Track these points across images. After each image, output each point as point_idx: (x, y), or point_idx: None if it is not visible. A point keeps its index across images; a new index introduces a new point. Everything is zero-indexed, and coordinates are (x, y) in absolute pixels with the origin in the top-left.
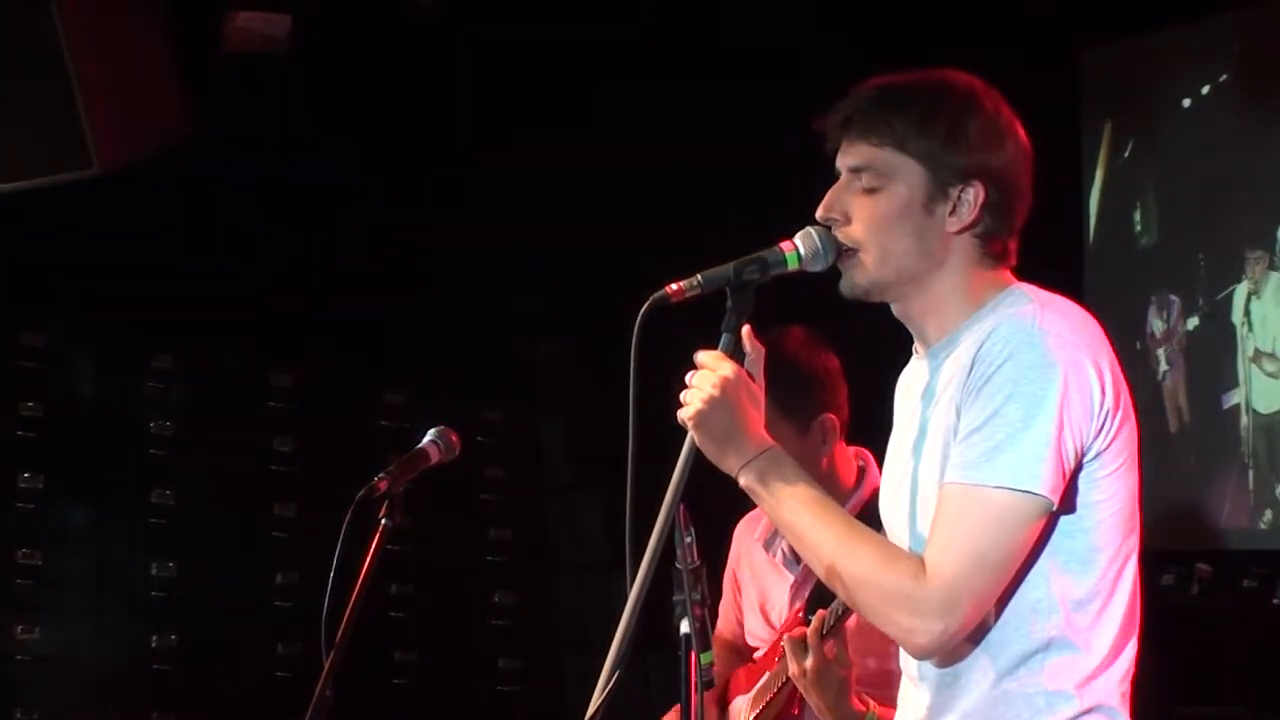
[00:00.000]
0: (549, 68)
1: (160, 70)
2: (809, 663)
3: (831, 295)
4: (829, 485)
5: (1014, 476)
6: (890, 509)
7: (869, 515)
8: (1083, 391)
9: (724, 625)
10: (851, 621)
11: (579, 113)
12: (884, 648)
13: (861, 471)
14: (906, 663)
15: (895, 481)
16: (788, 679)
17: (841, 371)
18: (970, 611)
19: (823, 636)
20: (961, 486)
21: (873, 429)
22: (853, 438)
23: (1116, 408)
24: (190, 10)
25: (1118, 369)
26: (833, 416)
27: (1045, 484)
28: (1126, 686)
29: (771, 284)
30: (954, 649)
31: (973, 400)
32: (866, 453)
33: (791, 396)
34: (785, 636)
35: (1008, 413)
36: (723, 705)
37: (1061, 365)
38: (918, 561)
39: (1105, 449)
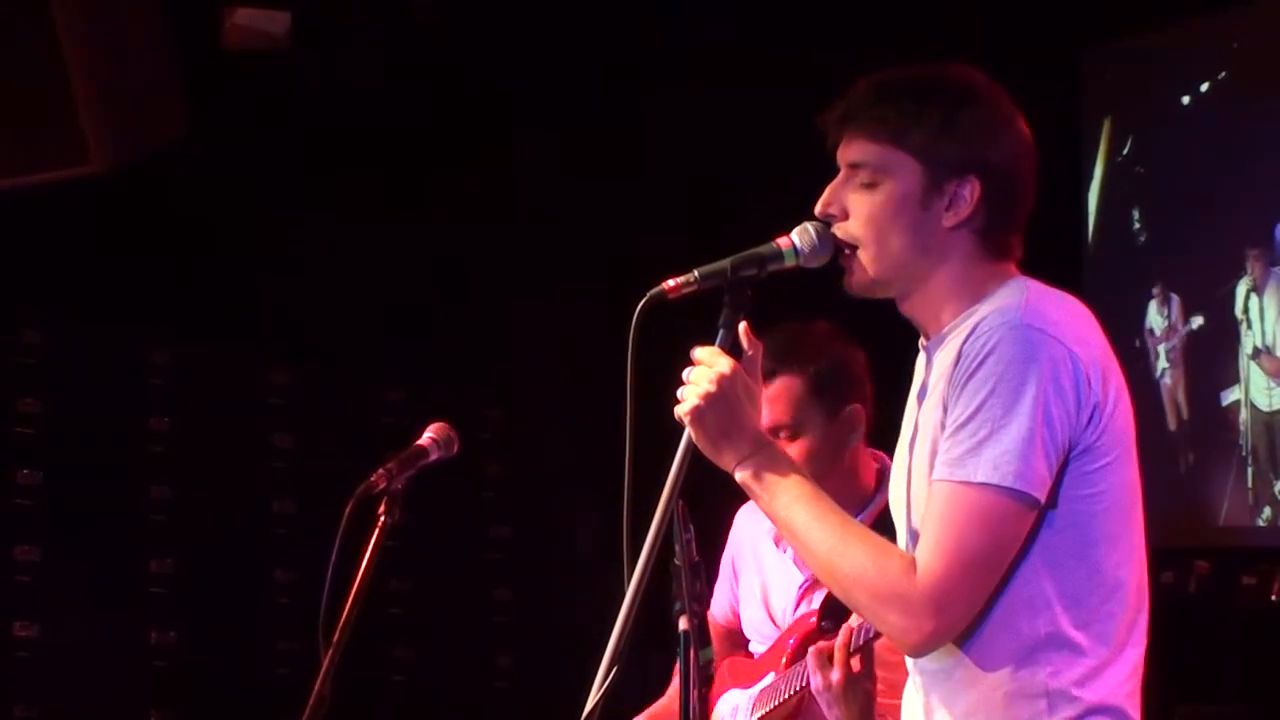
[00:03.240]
0: (548, 66)
1: (159, 69)
2: (835, 677)
3: (841, 293)
4: (849, 485)
5: (997, 473)
6: (895, 506)
7: (888, 519)
8: (1067, 385)
9: (716, 609)
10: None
11: (579, 112)
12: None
13: (880, 475)
14: (907, 661)
15: (898, 478)
16: (801, 686)
17: (869, 371)
18: (961, 610)
19: (851, 652)
20: (947, 484)
21: (878, 429)
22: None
23: (1105, 401)
24: (189, 8)
25: (1110, 362)
26: (860, 408)
27: (1029, 480)
28: (1134, 685)
29: (778, 280)
30: (947, 647)
31: (957, 395)
32: (884, 456)
33: (827, 377)
34: (812, 649)
35: (990, 408)
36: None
37: (1043, 359)
38: (909, 560)
39: (1094, 443)
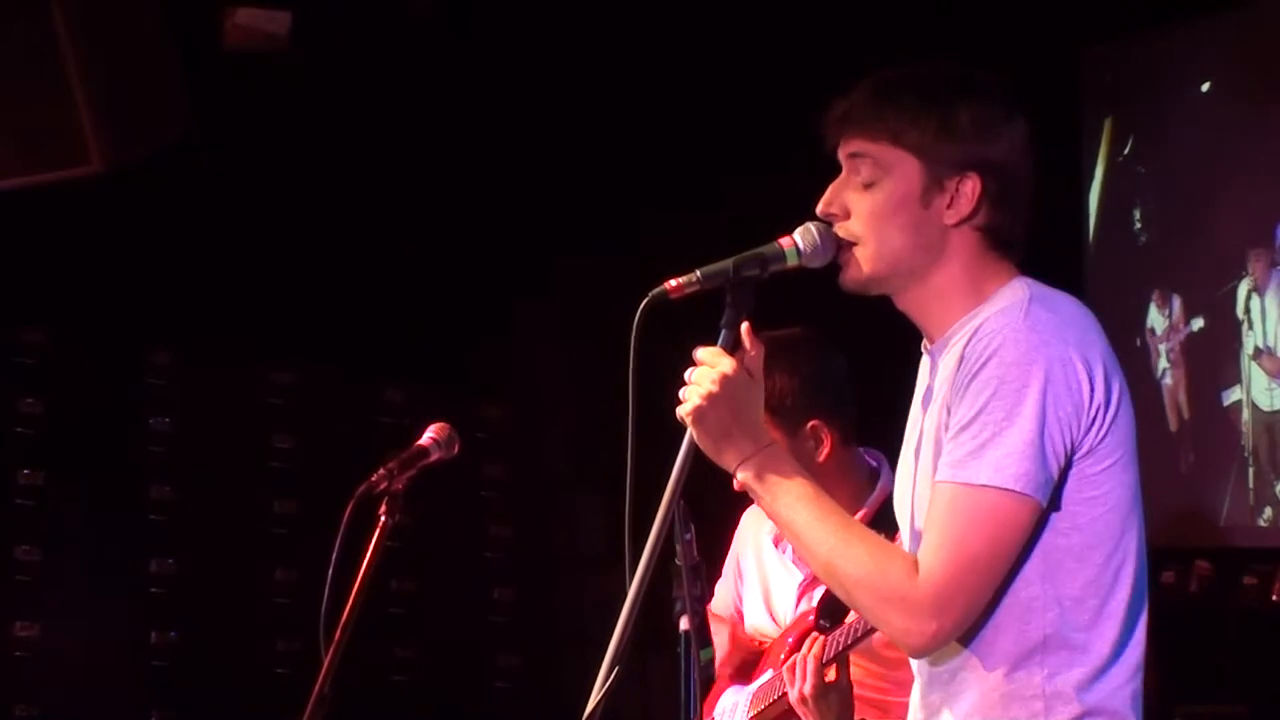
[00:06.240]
0: (548, 65)
1: (160, 69)
2: (807, 688)
3: (842, 294)
4: (835, 489)
5: (999, 475)
6: (899, 508)
7: (884, 518)
8: (1069, 388)
9: (718, 604)
10: (874, 640)
11: (579, 112)
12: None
13: (875, 474)
14: (911, 661)
15: (902, 480)
16: None
17: (846, 374)
18: (963, 611)
19: (824, 663)
20: (950, 486)
21: (881, 430)
22: (862, 439)
23: (1108, 404)
24: (190, 8)
25: (1113, 364)
26: (819, 422)
27: (1031, 482)
28: (1134, 688)
29: (779, 281)
30: (950, 647)
31: (960, 397)
32: (880, 455)
33: (778, 399)
34: (785, 667)
35: (992, 410)
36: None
37: (1044, 361)
38: (911, 561)
39: (1097, 445)
